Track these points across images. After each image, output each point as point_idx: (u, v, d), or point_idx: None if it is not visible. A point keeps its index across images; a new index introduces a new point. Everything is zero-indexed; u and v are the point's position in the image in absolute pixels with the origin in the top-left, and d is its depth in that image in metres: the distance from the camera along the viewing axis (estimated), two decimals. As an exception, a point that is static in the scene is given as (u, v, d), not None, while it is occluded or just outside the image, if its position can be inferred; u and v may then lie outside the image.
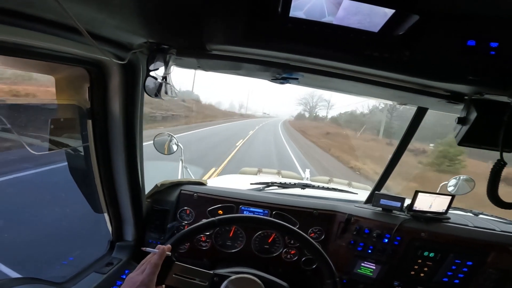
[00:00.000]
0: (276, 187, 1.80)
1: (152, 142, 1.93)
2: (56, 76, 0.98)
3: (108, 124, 1.09)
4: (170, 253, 0.83)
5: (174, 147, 2.03)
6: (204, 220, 0.96)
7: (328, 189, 1.88)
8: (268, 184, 1.81)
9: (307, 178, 2.83)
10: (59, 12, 0.54)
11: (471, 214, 1.69)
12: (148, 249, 0.83)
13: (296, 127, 42.75)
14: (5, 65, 0.85)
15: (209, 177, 3.54)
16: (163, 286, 0.82)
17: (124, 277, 1.17)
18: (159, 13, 0.76)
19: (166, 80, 0.96)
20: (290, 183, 1.84)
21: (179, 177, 2.21)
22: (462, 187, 1.91)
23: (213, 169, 7.68)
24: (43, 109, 1.04)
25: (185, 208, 1.47)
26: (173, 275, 0.86)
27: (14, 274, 1.95)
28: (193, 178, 2.11)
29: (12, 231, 2.66)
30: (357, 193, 1.91)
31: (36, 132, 0.93)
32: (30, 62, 0.85)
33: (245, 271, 0.99)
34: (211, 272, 0.93)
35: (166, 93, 0.95)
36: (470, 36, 0.69)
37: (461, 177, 1.95)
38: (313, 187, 1.85)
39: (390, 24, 0.68)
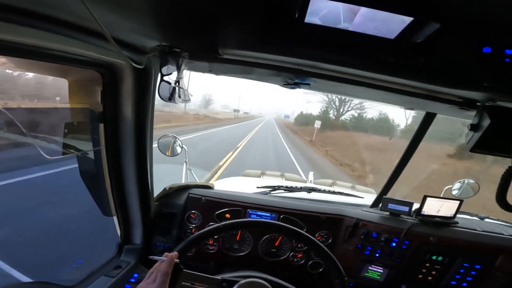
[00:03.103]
0: (282, 191, 1.80)
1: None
2: (69, 79, 0.98)
3: (119, 127, 1.09)
4: (178, 260, 0.82)
5: (178, 149, 2.02)
6: (210, 226, 0.96)
7: (334, 193, 1.88)
8: (274, 188, 1.81)
9: (311, 180, 2.83)
10: (79, 14, 0.54)
11: (477, 218, 1.70)
12: (156, 257, 0.82)
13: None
14: (20, 67, 0.85)
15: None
16: None
17: (132, 280, 1.17)
18: (175, 17, 0.76)
19: (179, 84, 0.96)
20: (296, 186, 1.84)
21: (183, 180, 2.21)
22: (467, 190, 1.92)
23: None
24: (57, 112, 1.04)
25: (193, 211, 1.46)
26: (182, 283, 0.85)
27: (25, 279, 1.94)
28: (197, 180, 2.10)
29: (22, 235, 2.65)
30: (363, 197, 1.92)
31: (50, 135, 0.93)
32: (44, 64, 0.85)
33: (253, 275, 1.00)
34: (220, 278, 0.93)
35: (179, 97, 0.95)
36: (486, 43, 0.69)
37: (466, 181, 1.95)
38: (319, 191, 1.85)
39: (408, 31, 0.68)
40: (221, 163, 9.21)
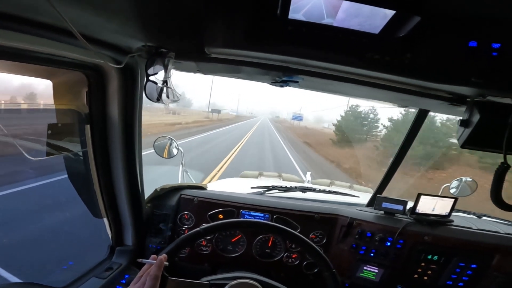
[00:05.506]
0: (277, 191, 1.79)
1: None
2: (54, 80, 0.98)
3: (106, 128, 1.08)
4: (167, 263, 0.80)
5: (174, 151, 2.03)
6: (191, 231, 0.95)
7: (329, 192, 1.86)
8: (268, 188, 1.80)
9: (308, 181, 2.81)
10: (55, 16, 0.53)
11: (474, 216, 1.67)
12: (144, 260, 0.80)
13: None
14: (2, 69, 0.85)
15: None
16: None
17: (123, 282, 1.16)
18: (159, 17, 0.76)
19: (166, 84, 0.95)
20: (291, 186, 1.82)
21: (179, 181, 2.20)
22: (464, 189, 1.90)
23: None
24: (41, 114, 1.03)
25: (186, 212, 1.45)
26: None
27: (14, 279, 1.94)
28: (193, 182, 2.10)
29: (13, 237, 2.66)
30: (358, 196, 1.90)
31: (33, 137, 0.92)
32: (28, 66, 0.85)
33: (243, 276, 0.99)
34: (207, 282, 0.92)
35: (167, 97, 0.94)
36: (472, 37, 0.68)
37: (463, 179, 1.94)
38: (314, 190, 1.84)
39: (391, 25, 0.67)
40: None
